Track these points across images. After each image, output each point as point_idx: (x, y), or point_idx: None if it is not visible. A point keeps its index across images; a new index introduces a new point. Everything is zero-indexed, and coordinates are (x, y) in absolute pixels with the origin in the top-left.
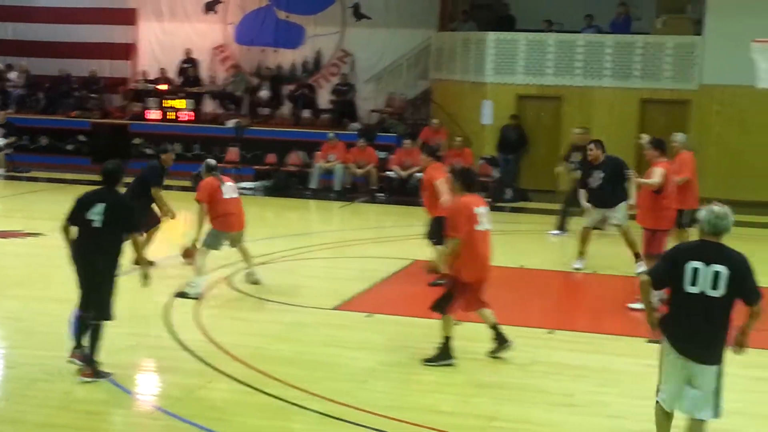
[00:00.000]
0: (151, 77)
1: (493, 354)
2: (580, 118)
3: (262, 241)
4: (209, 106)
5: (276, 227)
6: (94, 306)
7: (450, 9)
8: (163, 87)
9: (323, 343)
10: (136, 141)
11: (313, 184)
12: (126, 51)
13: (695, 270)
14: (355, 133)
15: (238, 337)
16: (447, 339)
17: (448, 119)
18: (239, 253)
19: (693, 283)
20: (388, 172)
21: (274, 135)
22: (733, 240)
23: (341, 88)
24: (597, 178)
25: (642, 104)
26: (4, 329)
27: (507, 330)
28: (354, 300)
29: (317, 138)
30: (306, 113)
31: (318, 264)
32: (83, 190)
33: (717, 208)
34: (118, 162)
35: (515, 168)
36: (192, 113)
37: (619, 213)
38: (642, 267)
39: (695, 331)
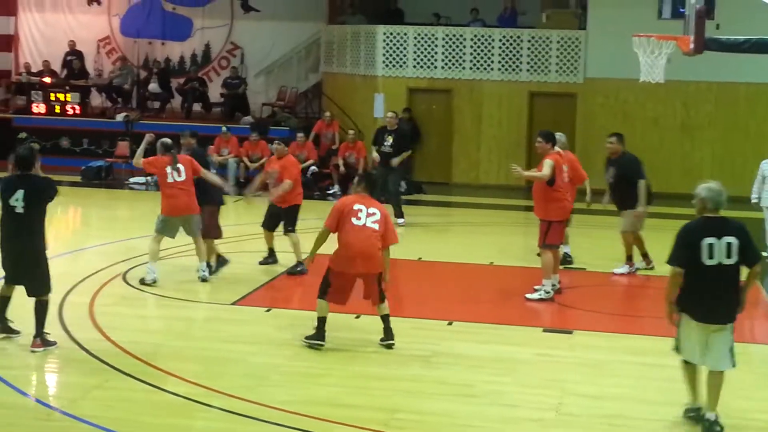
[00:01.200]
0: (35, 70)
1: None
2: (471, 110)
3: None
4: (97, 99)
5: None
6: (32, 285)
7: (338, 2)
8: (48, 80)
9: (223, 339)
10: (22, 135)
11: None
12: (6, 42)
13: (710, 245)
14: (248, 126)
15: (136, 335)
16: (319, 320)
17: (340, 112)
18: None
19: (710, 257)
20: None
21: (165, 129)
22: (610, 229)
23: (232, 81)
24: (610, 174)
25: (530, 97)
26: None
27: (407, 322)
28: (252, 295)
29: (209, 132)
30: (197, 107)
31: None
32: None
33: (713, 185)
34: (30, 147)
35: (409, 161)
36: (79, 107)
37: (624, 219)
38: (622, 269)
39: (717, 298)
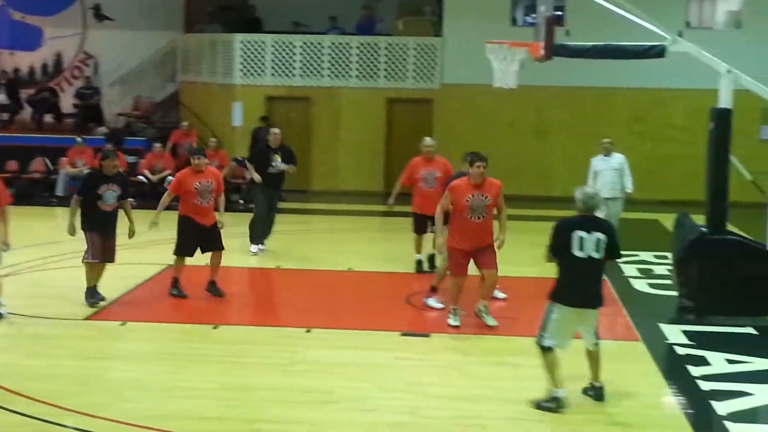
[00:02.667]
0: None
1: None
2: (329, 118)
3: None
4: None
5: (20, 237)
6: None
7: (195, 11)
8: None
9: (76, 355)
10: None
11: (60, 191)
12: None
13: (581, 238)
14: (102, 137)
15: None
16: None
17: (198, 121)
18: None
19: (581, 249)
20: (138, 177)
21: (15, 141)
22: None
23: (85, 91)
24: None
25: (388, 103)
26: None
27: (267, 331)
28: (106, 309)
29: (62, 143)
30: (48, 118)
31: (67, 274)
32: None
33: (588, 189)
34: None
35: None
36: None
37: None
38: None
39: (588, 286)
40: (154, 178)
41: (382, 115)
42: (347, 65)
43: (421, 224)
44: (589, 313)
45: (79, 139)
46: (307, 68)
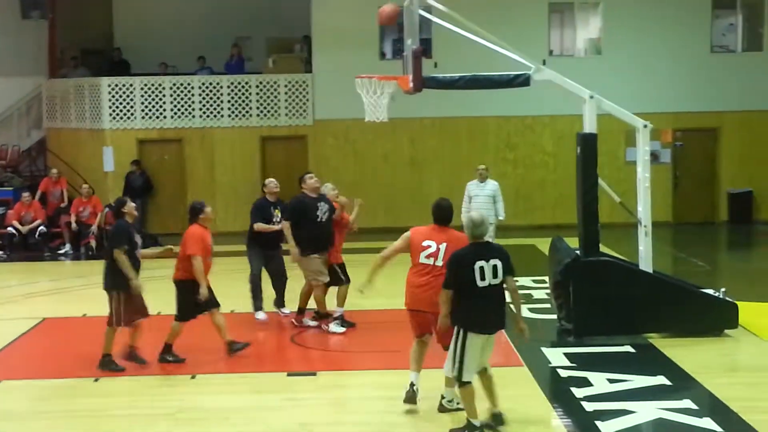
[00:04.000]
0: None
1: None
2: (203, 158)
3: None
4: None
5: None
6: None
7: (58, 56)
8: None
9: None
10: None
11: None
12: None
13: (481, 268)
14: None
15: None
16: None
17: (68, 168)
18: None
19: (482, 279)
20: (8, 228)
21: None
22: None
23: None
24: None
25: (262, 141)
26: None
27: (152, 380)
28: None
29: None
30: None
31: None
32: None
33: (474, 215)
34: None
35: (143, 213)
36: None
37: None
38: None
39: (493, 311)
40: (23, 228)
41: (256, 154)
42: (218, 105)
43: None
44: (493, 339)
45: None
46: (178, 109)
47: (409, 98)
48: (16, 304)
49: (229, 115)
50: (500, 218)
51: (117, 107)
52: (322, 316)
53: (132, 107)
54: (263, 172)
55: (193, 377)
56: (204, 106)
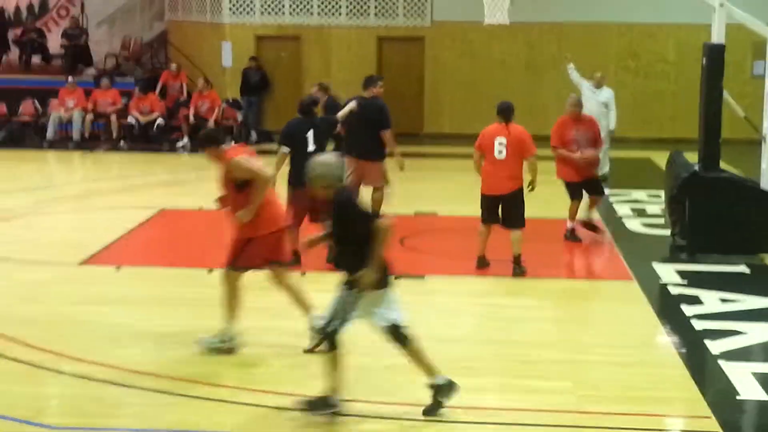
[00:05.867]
0: None
1: None
2: (320, 56)
3: None
4: None
5: (11, 181)
6: None
7: None
8: None
9: (71, 301)
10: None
11: (50, 134)
12: None
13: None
14: (92, 80)
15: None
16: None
17: (188, 62)
18: None
19: None
20: (128, 119)
21: (2, 83)
22: (462, 173)
23: (72, 32)
24: None
25: (378, 41)
26: None
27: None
28: (101, 253)
29: (50, 85)
30: (36, 59)
31: (60, 218)
32: None
33: (327, 159)
34: None
35: (259, 110)
36: None
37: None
38: None
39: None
40: (142, 119)
41: (373, 54)
42: (337, 2)
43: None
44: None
45: (70, 80)
46: (297, 5)
47: (529, 2)
48: (135, 193)
49: (347, 13)
50: (611, 128)
51: (236, 1)
52: None
53: (251, 2)
54: (379, 72)
55: (303, 274)
56: (323, 3)
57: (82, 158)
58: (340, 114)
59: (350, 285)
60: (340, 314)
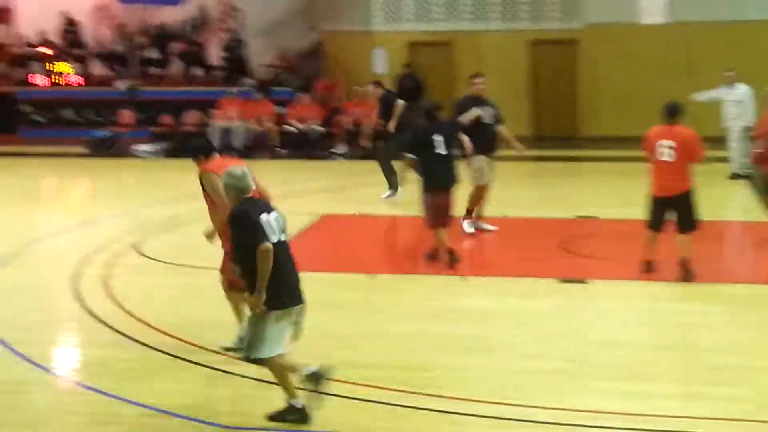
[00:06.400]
0: (32, 41)
1: None
2: (471, 61)
3: (163, 204)
4: (96, 68)
5: (178, 189)
6: None
7: None
8: (47, 51)
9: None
10: (24, 108)
11: (213, 142)
12: (2, 15)
13: (268, 221)
14: (249, 90)
15: (149, 304)
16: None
17: (341, 70)
18: None
19: (274, 233)
20: (286, 127)
21: (167, 95)
22: (621, 176)
23: (231, 43)
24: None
25: (530, 45)
26: None
27: (420, 279)
28: None
29: (211, 96)
30: (197, 71)
31: None
32: None
33: (235, 170)
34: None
35: (413, 116)
36: (82, 78)
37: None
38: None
39: (294, 276)
40: (302, 127)
41: (525, 58)
42: (489, 6)
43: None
44: (299, 308)
45: (234, 90)
46: (449, 11)
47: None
48: (295, 200)
49: (499, 18)
50: (747, 125)
51: (388, 8)
52: (468, 211)
53: (403, 9)
54: (531, 77)
55: (463, 278)
56: (474, 7)
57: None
58: (466, 117)
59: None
60: (249, 337)
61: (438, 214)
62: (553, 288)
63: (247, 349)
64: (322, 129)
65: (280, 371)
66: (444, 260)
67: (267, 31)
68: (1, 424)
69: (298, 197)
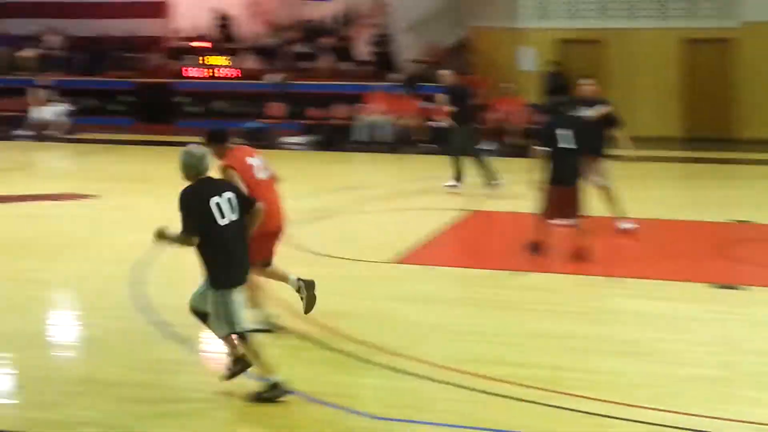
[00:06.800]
0: (187, 35)
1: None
2: (621, 59)
3: (313, 196)
4: (248, 61)
5: (327, 182)
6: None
7: None
8: (202, 44)
9: (383, 296)
10: (180, 100)
11: (360, 136)
12: (160, 9)
13: (218, 204)
14: (397, 84)
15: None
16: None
17: (488, 66)
18: None
19: (222, 216)
20: (433, 122)
21: (316, 89)
22: None
23: (379, 38)
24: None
25: (683, 44)
26: (70, 292)
27: (568, 279)
28: (411, 252)
29: (358, 90)
30: (345, 66)
31: (372, 217)
32: (129, 150)
33: (194, 150)
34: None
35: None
36: (236, 70)
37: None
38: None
39: (239, 256)
40: (446, 123)
41: (676, 56)
42: (641, 4)
43: None
44: (241, 288)
45: (377, 85)
46: (600, 9)
47: None
48: (443, 195)
49: (650, 16)
50: None
51: (537, 5)
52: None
53: (553, 5)
54: (684, 76)
55: (610, 279)
56: (626, 4)
57: (391, 160)
58: (590, 113)
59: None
60: (225, 318)
61: (555, 207)
62: (705, 293)
63: (231, 325)
64: None
65: (255, 350)
66: (543, 252)
67: (415, 27)
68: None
69: (445, 193)
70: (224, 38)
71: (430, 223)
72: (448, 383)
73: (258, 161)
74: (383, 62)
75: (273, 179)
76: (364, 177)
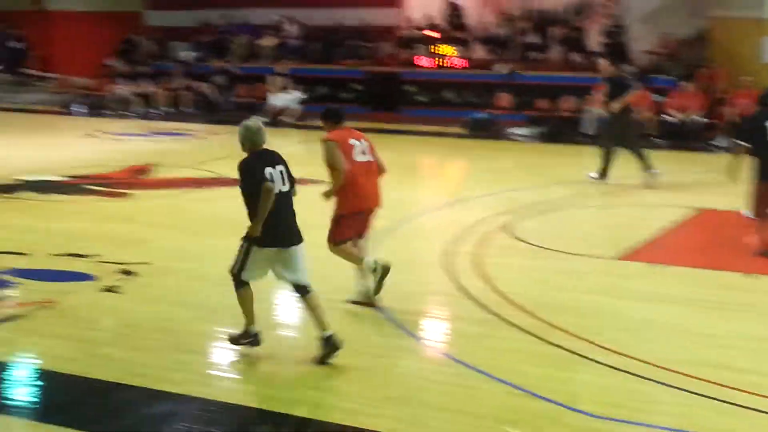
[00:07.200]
0: (419, 24)
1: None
2: None
3: (536, 188)
4: (477, 51)
5: (551, 174)
6: None
7: None
8: (433, 34)
9: (605, 292)
10: (408, 89)
11: (587, 129)
12: None
13: (271, 174)
14: (628, 75)
15: (518, 285)
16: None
17: (727, 58)
18: None
19: (275, 185)
20: (664, 116)
21: (545, 80)
22: None
23: (612, 29)
24: None
25: None
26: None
27: None
28: (637, 249)
29: (588, 82)
30: (576, 57)
31: (593, 212)
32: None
33: (250, 123)
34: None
35: None
36: (465, 60)
37: None
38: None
39: (285, 223)
40: (681, 116)
41: None
42: None
43: None
44: (293, 251)
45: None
46: None
47: None
48: (670, 191)
49: None
50: None
51: None
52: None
53: None
54: None
55: None
56: None
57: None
58: None
59: (245, 237)
60: (240, 261)
61: (765, 203)
62: None
63: (239, 266)
64: (703, 120)
65: (244, 299)
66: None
67: (649, 17)
68: (367, 384)
69: (673, 189)
70: (455, 28)
71: (655, 220)
72: (668, 385)
73: (361, 144)
74: (615, 53)
75: (372, 164)
76: (588, 170)
